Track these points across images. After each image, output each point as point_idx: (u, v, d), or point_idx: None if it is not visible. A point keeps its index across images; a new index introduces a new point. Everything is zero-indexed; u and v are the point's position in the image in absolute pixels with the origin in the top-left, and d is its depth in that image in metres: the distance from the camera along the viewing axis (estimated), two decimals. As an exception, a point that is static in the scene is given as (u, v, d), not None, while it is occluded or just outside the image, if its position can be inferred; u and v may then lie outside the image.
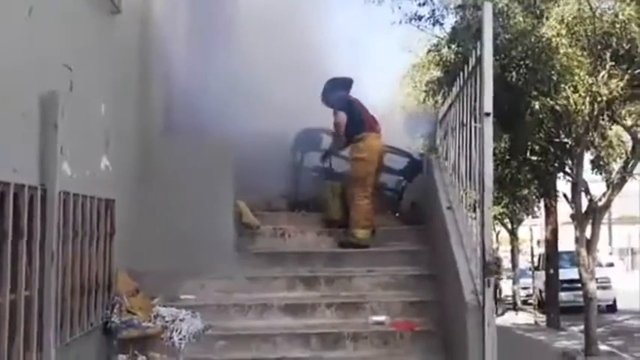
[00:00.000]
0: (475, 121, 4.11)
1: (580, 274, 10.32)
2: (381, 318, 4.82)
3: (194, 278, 5.08)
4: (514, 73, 7.99)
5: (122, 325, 4.36)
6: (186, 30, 7.38)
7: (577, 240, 10.43)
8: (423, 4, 10.16)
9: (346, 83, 6.21)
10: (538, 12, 8.19)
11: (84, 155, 3.91)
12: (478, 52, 3.97)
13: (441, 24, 10.26)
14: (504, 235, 23.15)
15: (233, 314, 4.85)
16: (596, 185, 11.80)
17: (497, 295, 24.87)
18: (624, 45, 8.56)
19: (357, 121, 5.89)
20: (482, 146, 3.66)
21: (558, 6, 8.23)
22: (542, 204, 15.43)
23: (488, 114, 3.59)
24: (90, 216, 4.02)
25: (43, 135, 3.27)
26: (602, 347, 11.17)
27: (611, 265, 25.05)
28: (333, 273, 5.31)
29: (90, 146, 4.06)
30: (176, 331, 4.47)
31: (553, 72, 8.12)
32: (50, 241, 3.27)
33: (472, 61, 4.24)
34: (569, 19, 8.21)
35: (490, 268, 3.46)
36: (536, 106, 8.12)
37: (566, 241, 16.63)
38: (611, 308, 18.60)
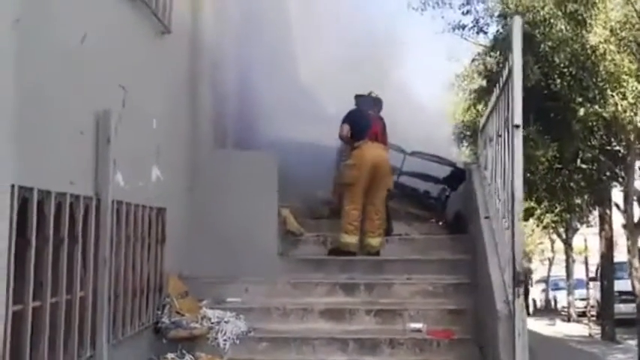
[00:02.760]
0: (508, 133, 4.17)
1: (633, 286, 10.03)
2: (419, 325, 4.90)
3: (240, 282, 5.31)
4: (558, 81, 7.90)
5: (171, 326, 4.66)
6: (236, 48, 7.69)
7: (629, 250, 10.14)
8: (467, 12, 10.17)
9: (358, 99, 6.35)
10: (581, 18, 8.07)
11: (136, 167, 4.22)
12: (510, 63, 4.05)
13: (485, 32, 10.26)
14: (559, 244, 22.56)
15: (275, 317, 5.03)
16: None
17: (552, 305, 24.32)
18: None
19: (356, 131, 6.01)
20: (512, 158, 3.73)
21: (602, 12, 8.08)
22: (596, 213, 15.02)
23: (517, 126, 3.66)
24: (142, 223, 4.33)
25: (97, 149, 3.58)
26: (659, 361, 10.79)
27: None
28: (372, 280, 5.43)
29: (142, 159, 4.37)
30: (221, 332, 4.73)
31: (599, 79, 7.98)
32: (103, 246, 3.57)
33: (505, 72, 4.31)
34: (615, 24, 8.05)
35: (520, 278, 3.53)
36: (581, 113, 7.99)
37: (624, 251, 16.13)
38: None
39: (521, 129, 3.67)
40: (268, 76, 8.45)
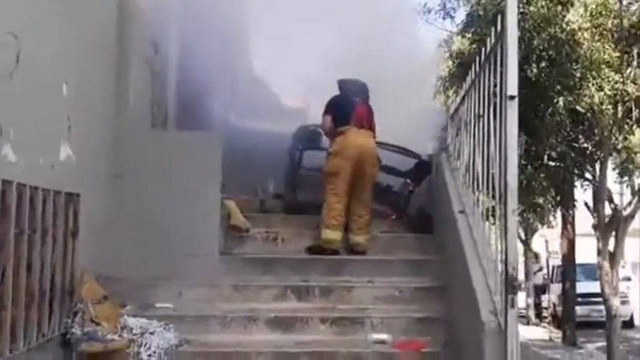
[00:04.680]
0: (494, 110, 3.52)
1: (602, 289, 9.63)
2: (383, 336, 4.23)
3: (172, 285, 4.53)
4: (534, 67, 7.36)
5: (83, 337, 3.82)
6: (179, 28, 6.97)
7: (599, 252, 9.75)
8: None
9: (341, 84, 5.80)
10: (563, -1, 7.58)
11: (36, 140, 3.37)
12: (498, 28, 3.39)
13: (452, 17, 9.76)
14: (517, 245, 22.45)
15: (213, 327, 4.28)
16: (617, 196, 11.16)
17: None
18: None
19: (340, 117, 5.45)
20: (505, 138, 3.06)
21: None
22: (558, 213, 14.73)
23: (512, 97, 3.00)
24: (43, 211, 3.47)
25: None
26: (624, 368, 10.47)
27: (628, 279, 24.20)
28: (329, 283, 4.75)
29: (45, 131, 3.52)
30: (145, 345, 3.90)
31: (577, 66, 7.49)
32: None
33: (491, 40, 3.65)
34: (593, 8, 7.59)
35: (514, 284, 2.86)
36: (560, 103, 7.48)
37: (581, 253, 15.97)
38: (629, 324, 17.82)
39: (516, 101, 3.01)
40: (216, 58, 7.75)
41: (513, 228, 3.02)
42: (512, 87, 3.02)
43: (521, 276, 21.03)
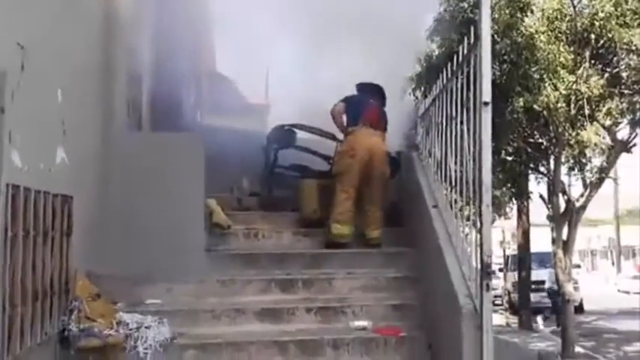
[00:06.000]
0: (467, 114, 3.84)
1: (557, 276, 10.19)
2: (363, 323, 4.52)
3: (161, 282, 4.69)
4: (497, 69, 7.78)
5: (81, 334, 3.96)
6: (152, 24, 7.08)
7: (554, 241, 10.30)
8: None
9: (358, 87, 6.08)
10: (522, 4, 7.99)
11: (37, 145, 3.51)
12: (472, 39, 3.71)
13: None
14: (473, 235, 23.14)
15: (203, 320, 4.47)
16: (568, 188, 11.71)
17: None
18: (603, 43, 8.45)
19: (350, 116, 5.69)
20: (480, 140, 3.38)
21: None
22: (514, 205, 15.36)
23: (486, 103, 3.32)
24: (44, 213, 3.61)
25: (-13, 119, 2.87)
26: (577, 349, 11.09)
27: (577, 266, 25.33)
28: (311, 275, 4.99)
29: (44, 136, 3.66)
30: (141, 339, 4.08)
31: (535, 68, 7.94)
32: (-5, 240, 2.86)
33: (463, 49, 3.97)
34: (550, 12, 8.05)
35: (488, 270, 3.18)
36: (520, 103, 7.92)
37: (534, 243, 16.72)
38: (579, 309, 18.72)
39: (490, 107, 3.33)
40: (186, 60, 7.90)
41: (488, 221, 3.34)
42: (487, 94, 3.33)
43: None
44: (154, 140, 5.37)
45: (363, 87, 6.02)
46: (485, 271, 3.24)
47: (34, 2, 3.47)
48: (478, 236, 3.41)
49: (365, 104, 5.75)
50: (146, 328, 4.11)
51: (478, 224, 3.46)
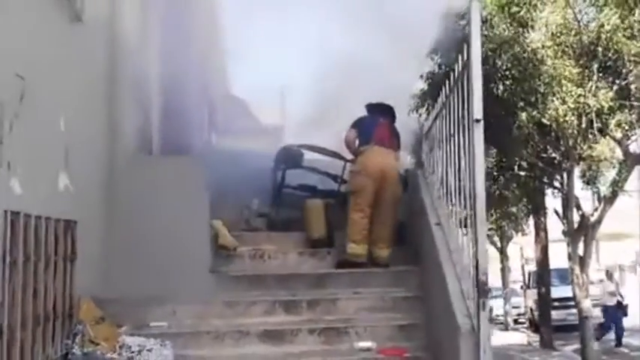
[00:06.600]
0: (463, 131, 3.84)
1: (574, 292, 10.01)
2: (368, 344, 4.48)
3: (166, 304, 4.72)
4: (500, 84, 7.75)
5: (84, 357, 4.01)
6: (161, 49, 7.20)
7: (570, 257, 10.13)
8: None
9: (368, 107, 6.08)
10: (523, 21, 7.98)
11: (38, 172, 3.58)
12: (464, 57, 3.72)
13: None
14: (493, 253, 22.86)
15: (207, 342, 4.47)
16: (585, 203, 11.56)
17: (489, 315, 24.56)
18: (610, 55, 8.39)
19: (362, 136, 5.70)
20: (473, 156, 3.37)
21: (543, 16, 8.02)
22: (531, 221, 15.17)
23: (478, 120, 3.31)
24: (45, 239, 3.68)
25: (-15, 149, 2.94)
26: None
27: (602, 281, 24.82)
28: (315, 296, 4.97)
29: (46, 163, 3.74)
30: (143, 362, 4.11)
31: (540, 83, 7.89)
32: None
33: (458, 67, 3.98)
34: (554, 28, 8.02)
35: (485, 288, 3.15)
36: (523, 117, 7.86)
37: (555, 259, 16.40)
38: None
39: (482, 123, 3.32)
40: (197, 82, 8.00)
41: (483, 236, 3.31)
42: (478, 111, 3.33)
43: (498, 282, 21.49)
44: (157, 163, 5.44)
45: (372, 107, 6.01)
46: (482, 289, 3.20)
47: (36, 31, 3.57)
48: (474, 253, 3.38)
49: (375, 123, 5.76)
50: (148, 351, 4.14)
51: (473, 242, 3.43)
